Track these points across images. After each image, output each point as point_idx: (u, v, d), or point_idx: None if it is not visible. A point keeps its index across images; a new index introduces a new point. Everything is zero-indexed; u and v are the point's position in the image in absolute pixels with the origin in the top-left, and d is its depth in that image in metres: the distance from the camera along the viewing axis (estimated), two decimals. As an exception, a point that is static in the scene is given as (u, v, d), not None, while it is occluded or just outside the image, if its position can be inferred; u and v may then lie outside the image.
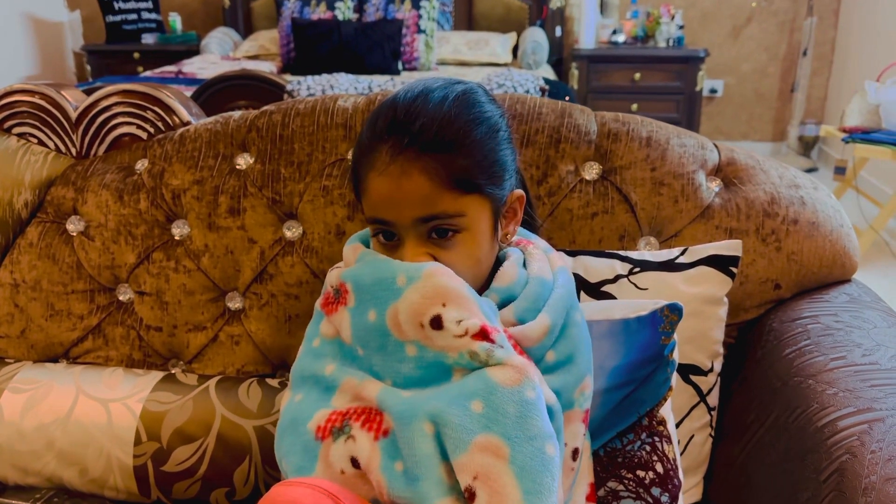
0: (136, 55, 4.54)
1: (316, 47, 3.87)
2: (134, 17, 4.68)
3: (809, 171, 4.44)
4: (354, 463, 0.74)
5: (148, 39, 4.64)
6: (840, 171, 3.34)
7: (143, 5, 4.70)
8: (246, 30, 4.70)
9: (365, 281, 0.79)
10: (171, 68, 3.85)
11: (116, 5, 4.62)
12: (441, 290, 0.74)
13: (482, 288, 0.82)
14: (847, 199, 3.47)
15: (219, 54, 4.31)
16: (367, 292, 0.79)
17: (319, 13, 4.13)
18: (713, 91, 4.70)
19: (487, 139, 0.79)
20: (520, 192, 0.86)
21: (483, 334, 0.73)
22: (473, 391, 0.71)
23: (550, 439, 0.70)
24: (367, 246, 0.86)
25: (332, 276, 0.86)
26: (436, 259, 0.78)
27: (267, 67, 3.88)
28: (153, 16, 4.75)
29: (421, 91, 0.78)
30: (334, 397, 0.80)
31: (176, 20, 4.76)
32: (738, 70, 4.69)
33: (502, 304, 0.80)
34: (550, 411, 0.73)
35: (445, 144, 0.75)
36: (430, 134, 0.75)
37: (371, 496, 0.73)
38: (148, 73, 3.87)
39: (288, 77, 3.02)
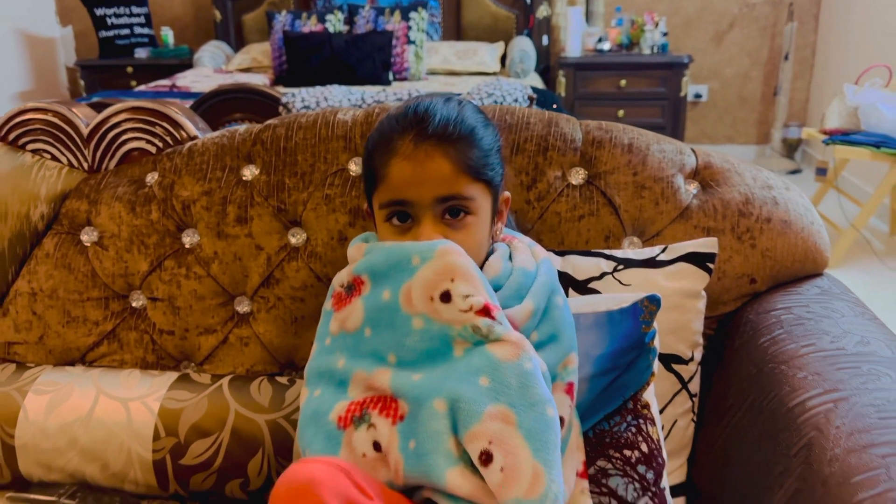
0: (130, 69, 4.60)
1: (308, 59, 3.94)
2: (126, 31, 4.75)
3: (793, 172, 4.54)
4: (376, 447, 0.82)
5: (141, 54, 4.70)
6: (822, 171, 3.43)
7: (135, 20, 4.76)
8: (238, 43, 4.76)
9: (380, 267, 0.88)
10: (165, 82, 3.91)
11: (109, 20, 4.68)
12: (451, 266, 0.83)
13: None
14: (829, 200, 3.56)
15: (211, 67, 4.37)
16: (383, 276, 0.88)
17: (310, 26, 4.20)
18: (698, 96, 4.80)
19: (491, 140, 0.92)
20: (507, 193, 0.98)
21: (486, 311, 0.82)
22: (479, 368, 0.80)
23: (550, 403, 0.79)
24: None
25: (341, 276, 0.94)
26: (447, 238, 0.87)
27: (259, 80, 3.95)
28: (145, 30, 4.82)
29: (430, 99, 0.91)
30: (349, 389, 0.88)
31: (168, 34, 4.83)
32: (721, 75, 4.78)
33: None
34: (545, 377, 0.82)
35: (460, 137, 0.88)
36: (448, 127, 0.87)
37: (388, 477, 0.80)
38: (142, 88, 3.93)
39: (282, 89, 3.09)
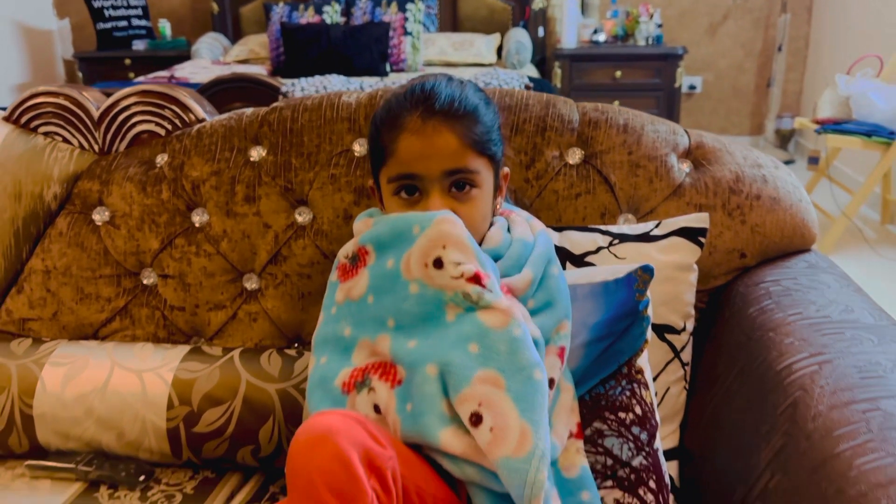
0: (128, 61, 4.63)
1: (305, 50, 3.97)
2: (124, 23, 4.77)
3: (787, 163, 4.58)
4: (376, 409, 0.87)
5: (138, 46, 4.73)
6: (814, 161, 3.49)
7: (132, 12, 4.79)
8: (235, 35, 4.79)
9: (385, 237, 0.93)
10: (164, 73, 3.94)
11: (107, 12, 4.70)
12: (444, 234, 0.88)
13: None
14: (821, 188, 3.61)
15: (209, 59, 4.40)
16: (387, 246, 0.93)
17: (308, 17, 4.23)
18: (692, 87, 4.84)
19: (492, 117, 0.97)
20: (506, 169, 1.04)
21: (476, 279, 0.87)
22: (469, 336, 0.84)
23: (538, 366, 0.83)
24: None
25: (346, 248, 0.99)
26: (454, 210, 0.92)
27: (257, 71, 3.97)
28: (143, 22, 4.84)
29: (435, 78, 0.95)
30: (353, 355, 0.92)
31: (165, 26, 4.85)
32: (715, 66, 4.83)
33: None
34: (536, 343, 0.87)
35: (465, 113, 0.92)
36: (454, 104, 0.92)
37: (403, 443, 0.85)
38: (140, 79, 3.96)
39: (281, 80, 3.12)
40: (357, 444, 0.71)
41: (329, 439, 0.70)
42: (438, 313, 0.88)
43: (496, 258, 0.94)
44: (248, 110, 1.29)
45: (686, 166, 1.17)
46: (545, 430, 0.81)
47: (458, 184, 0.94)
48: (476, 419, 0.80)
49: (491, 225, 1.00)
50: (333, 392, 0.91)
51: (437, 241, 0.88)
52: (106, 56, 4.68)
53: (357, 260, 0.96)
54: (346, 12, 4.26)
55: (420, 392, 0.84)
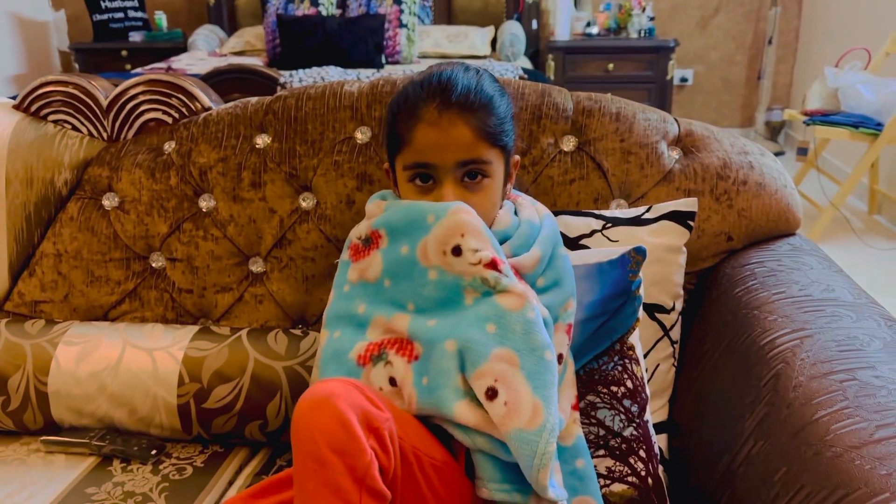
0: (124, 53, 4.65)
1: (301, 42, 4.00)
2: (120, 15, 4.79)
3: (777, 154, 4.64)
4: (392, 382, 0.92)
5: (135, 37, 4.75)
6: (802, 151, 3.54)
7: (129, 4, 4.81)
8: (231, 27, 4.81)
9: (398, 224, 0.97)
10: (161, 65, 3.97)
11: (103, 4, 4.72)
12: (462, 223, 0.92)
13: None
14: (810, 179, 3.66)
15: (206, 51, 4.42)
16: (400, 232, 0.97)
17: (304, 9, 4.26)
18: (683, 80, 4.89)
19: (506, 108, 1.00)
20: (517, 157, 1.07)
21: (493, 264, 0.91)
22: (487, 316, 0.89)
23: (549, 348, 0.88)
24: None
25: (360, 229, 1.03)
26: (466, 199, 0.96)
27: (254, 63, 4.01)
28: (139, 14, 4.86)
29: (452, 68, 0.99)
30: (368, 331, 0.97)
31: (161, 18, 4.87)
32: (707, 59, 4.88)
33: (500, 243, 0.97)
34: (546, 323, 0.91)
35: (481, 105, 0.96)
36: (470, 96, 0.95)
37: (402, 410, 0.90)
38: (137, 71, 3.98)
39: (279, 71, 3.16)
40: (356, 407, 0.76)
41: (329, 402, 0.75)
42: (457, 297, 0.92)
43: (505, 239, 0.99)
44: (253, 99, 1.33)
45: (676, 153, 1.22)
46: (555, 406, 0.86)
47: (471, 173, 0.97)
48: (492, 393, 0.85)
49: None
50: (348, 364, 0.95)
51: (455, 229, 0.92)
52: (102, 47, 4.70)
53: (370, 242, 1.00)
54: (342, 4, 4.29)
55: (437, 367, 0.88)
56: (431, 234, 0.93)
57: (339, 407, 0.74)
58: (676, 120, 1.25)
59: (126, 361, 1.16)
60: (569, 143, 1.23)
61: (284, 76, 2.77)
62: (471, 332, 0.88)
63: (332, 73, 2.91)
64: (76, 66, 4.71)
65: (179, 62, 4.03)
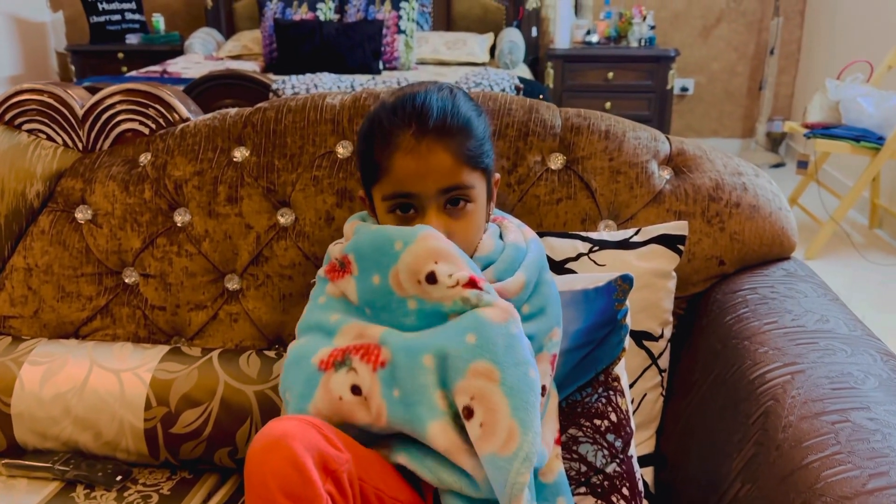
0: (121, 55, 4.61)
1: (298, 47, 3.97)
2: (118, 17, 4.75)
3: (776, 166, 4.60)
4: (355, 390, 0.86)
5: (132, 40, 4.71)
6: (803, 164, 3.49)
7: (126, 6, 4.77)
8: (228, 30, 4.78)
9: (365, 250, 0.92)
10: (156, 68, 3.93)
11: (100, 6, 4.68)
12: (433, 250, 0.87)
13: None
14: (810, 193, 3.62)
15: (202, 54, 4.39)
16: (368, 259, 0.92)
17: (301, 14, 4.22)
18: (684, 89, 4.85)
19: (484, 128, 0.96)
20: (497, 175, 1.02)
21: (472, 283, 0.86)
22: (466, 327, 0.84)
23: (532, 366, 0.83)
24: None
25: (335, 250, 0.99)
26: (449, 227, 0.91)
27: (250, 67, 3.97)
28: (136, 16, 4.82)
29: (425, 90, 0.93)
30: (336, 338, 0.92)
31: (159, 21, 4.83)
32: (708, 69, 4.84)
33: (483, 269, 0.93)
34: None
35: (459, 128, 0.91)
36: (447, 119, 0.90)
37: (367, 421, 0.85)
38: (133, 73, 3.95)
39: (272, 76, 3.12)
40: (312, 448, 0.71)
41: (283, 443, 0.70)
42: (441, 322, 0.88)
43: (488, 264, 0.94)
44: (233, 110, 1.29)
45: (666, 173, 1.17)
46: (534, 432, 0.80)
47: (454, 200, 0.93)
48: (468, 413, 0.80)
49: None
50: (309, 369, 0.90)
51: (427, 257, 0.87)
52: (99, 50, 4.66)
53: (344, 267, 0.96)
54: (340, 9, 4.25)
55: (414, 381, 0.83)
56: (401, 262, 0.88)
57: (294, 449, 0.70)
58: (668, 138, 1.21)
59: (92, 383, 1.12)
60: (556, 161, 1.18)
61: (277, 82, 2.73)
62: (448, 342, 0.83)
63: (325, 80, 2.87)
64: (72, 67, 4.67)
65: (175, 65, 3.99)
